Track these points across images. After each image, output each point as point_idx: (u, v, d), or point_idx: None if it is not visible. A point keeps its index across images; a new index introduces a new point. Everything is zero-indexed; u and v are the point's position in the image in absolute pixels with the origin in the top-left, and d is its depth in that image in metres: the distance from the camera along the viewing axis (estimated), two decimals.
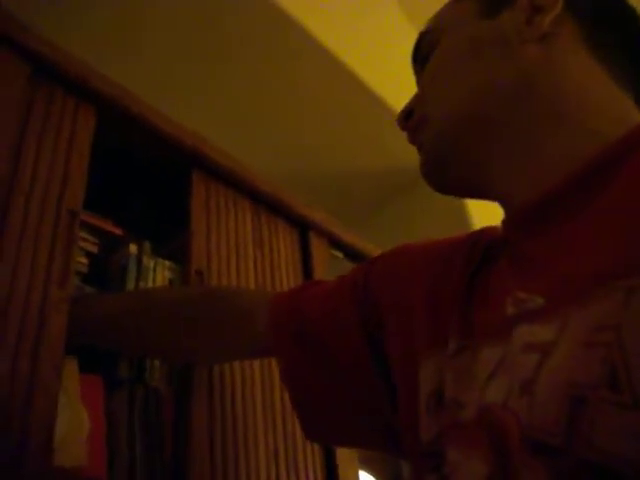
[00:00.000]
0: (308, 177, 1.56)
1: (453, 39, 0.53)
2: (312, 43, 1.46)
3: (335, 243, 1.22)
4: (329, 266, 1.17)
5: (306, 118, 1.53)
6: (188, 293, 0.83)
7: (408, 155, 1.81)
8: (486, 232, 0.57)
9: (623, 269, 0.33)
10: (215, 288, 0.89)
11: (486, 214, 2.37)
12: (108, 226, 0.93)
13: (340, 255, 1.23)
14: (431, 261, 0.57)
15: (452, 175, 0.53)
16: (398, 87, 1.74)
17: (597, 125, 0.45)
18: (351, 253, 1.25)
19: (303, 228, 1.16)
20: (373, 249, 1.27)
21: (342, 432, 0.66)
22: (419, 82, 0.58)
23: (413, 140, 0.57)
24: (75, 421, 0.67)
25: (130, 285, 0.86)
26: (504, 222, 0.51)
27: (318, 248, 1.16)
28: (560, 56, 0.48)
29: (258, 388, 0.90)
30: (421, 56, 0.57)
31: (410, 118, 0.56)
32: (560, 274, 0.40)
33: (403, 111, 0.57)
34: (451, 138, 0.51)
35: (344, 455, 0.96)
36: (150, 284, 0.88)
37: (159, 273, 0.92)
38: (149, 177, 0.97)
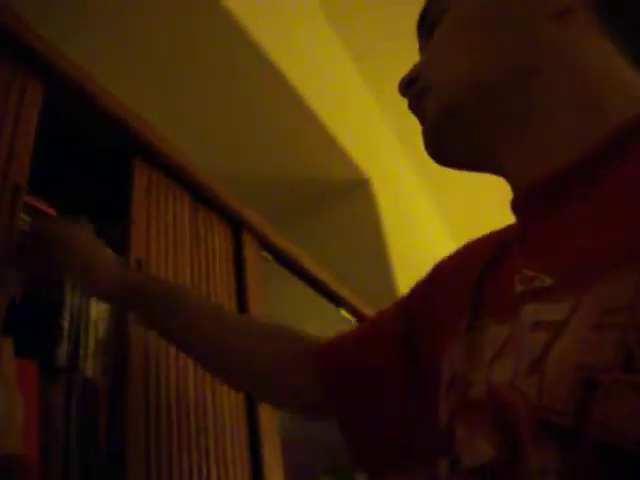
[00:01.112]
0: (244, 178, 1.56)
1: (467, 6, 0.50)
2: (250, 46, 1.47)
3: (266, 245, 1.22)
4: (260, 267, 1.17)
5: (242, 120, 1.53)
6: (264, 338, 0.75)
7: (335, 165, 1.86)
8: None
9: (639, 251, 0.33)
10: (283, 332, 0.78)
11: (402, 245, 2.47)
12: (41, 205, 0.88)
13: (269, 257, 1.24)
14: (460, 261, 0.57)
15: (455, 148, 0.51)
16: (328, 100, 1.79)
17: (612, 104, 0.43)
18: (281, 256, 1.26)
19: (237, 226, 1.15)
20: (303, 254, 1.29)
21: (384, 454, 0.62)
22: (423, 49, 0.56)
23: (415, 108, 0.53)
24: (12, 405, 0.63)
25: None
26: (512, 202, 0.49)
27: (250, 248, 1.16)
28: (577, 34, 0.46)
29: (191, 385, 0.88)
30: (428, 22, 0.54)
31: (412, 86, 0.53)
32: (570, 254, 0.39)
33: (406, 77, 0.54)
34: (457, 108, 0.48)
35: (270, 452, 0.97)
36: None
37: None
38: (91, 161, 0.93)
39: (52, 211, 0.87)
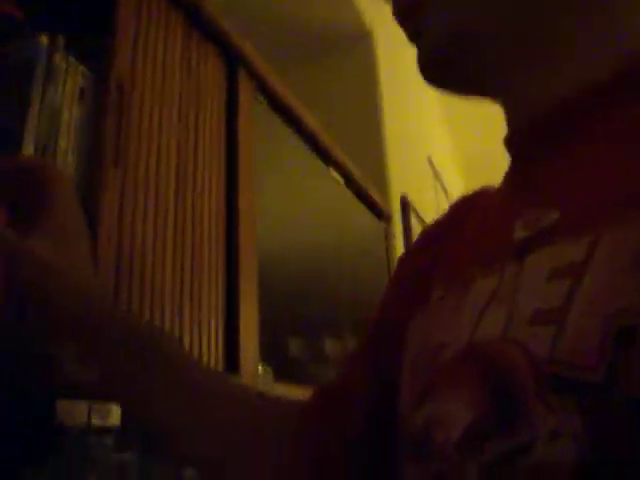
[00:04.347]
0: (244, 14, 1.39)
1: None
2: None
3: (262, 87, 1.12)
4: (252, 110, 1.08)
5: None
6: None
7: (340, 16, 1.69)
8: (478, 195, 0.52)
9: None
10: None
11: (396, 115, 2.34)
12: (6, 7, 0.76)
13: (263, 101, 1.14)
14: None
15: (458, 73, 0.45)
16: None
17: (632, 25, 0.39)
18: (276, 102, 1.16)
19: (233, 61, 1.04)
20: (300, 105, 1.19)
21: None
22: None
23: (414, 22, 0.46)
24: None
25: (37, 88, 0.72)
26: (510, 136, 0.44)
27: (245, 87, 1.06)
28: None
29: (170, 231, 0.83)
30: None
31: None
32: (579, 187, 0.35)
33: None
34: (471, 35, 0.42)
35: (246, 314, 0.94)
36: (59, 90, 0.75)
37: (70, 78, 0.78)
38: None
39: (19, 13, 0.76)
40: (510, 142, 0.44)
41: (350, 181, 1.58)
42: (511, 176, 0.45)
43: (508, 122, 0.45)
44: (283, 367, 1.05)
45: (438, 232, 0.53)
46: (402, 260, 0.57)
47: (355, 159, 1.63)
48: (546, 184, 0.38)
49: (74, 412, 0.52)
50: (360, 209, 1.74)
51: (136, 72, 0.80)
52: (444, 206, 3.35)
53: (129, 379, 0.49)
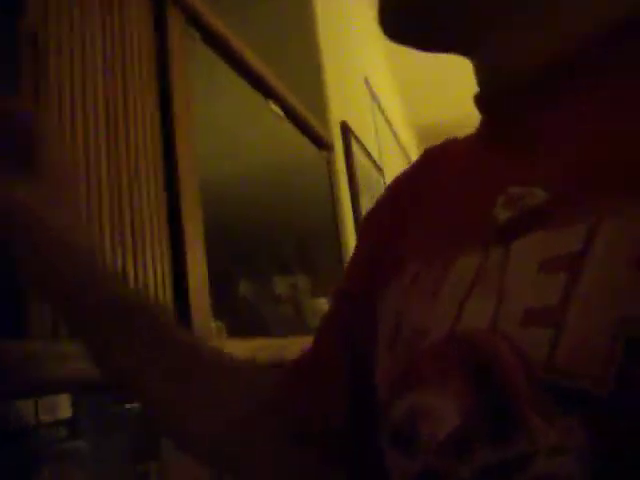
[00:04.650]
0: None
1: None
2: None
3: (194, 20, 1.02)
4: (185, 46, 0.99)
5: None
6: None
7: None
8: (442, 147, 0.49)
9: None
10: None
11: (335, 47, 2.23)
12: None
13: (197, 35, 1.05)
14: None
15: (427, 24, 0.40)
16: None
17: None
18: (209, 36, 1.07)
19: None
20: (234, 36, 1.11)
21: None
22: None
23: None
24: None
25: None
26: (485, 93, 0.41)
27: (175, 22, 0.96)
28: None
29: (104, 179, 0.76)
30: None
31: None
32: (570, 158, 0.31)
33: None
34: None
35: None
36: None
37: None
38: None
39: None
40: (485, 99, 0.41)
41: (290, 113, 1.52)
42: (487, 134, 0.41)
43: (482, 79, 0.41)
44: (236, 322, 1.02)
45: (405, 187, 0.50)
46: (368, 219, 0.54)
47: (294, 88, 1.56)
48: (530, 148, 0.34)
49: (21, 412, 0.49)
50: (301, 140, 1.69)
51: (49, 9, 0.71)
52: (383, 129, 3.31)
53: (109, 339, 0.47)
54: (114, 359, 0.48)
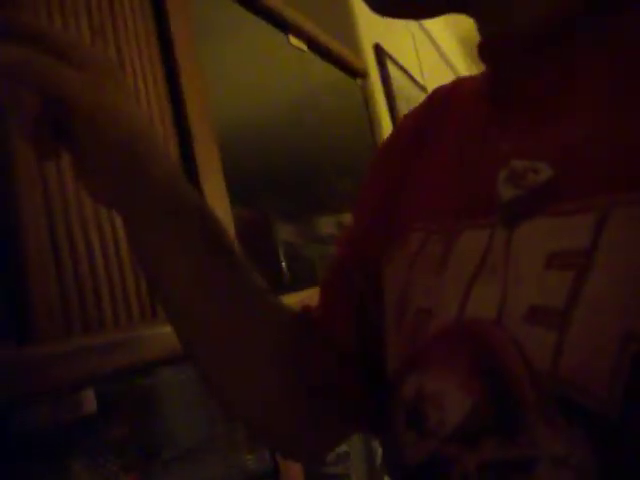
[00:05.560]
0: None
1: None
2: None
3: None
4: None
5: None
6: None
7: None
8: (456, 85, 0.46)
9: None
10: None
11: None
12: None
13: None
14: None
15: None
16: None
17: None
18: None
19: None
20: None
21: None
22: None
23: None
24: None
25: None
26: (487, 44, 0.38)
27: None
28: None
29: None
30: None
31: None
32: (584, 134, 0.29)
33: None
34: None
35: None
36: None
37: None
38: None
39: None
40: (489, 47, 0.38)
41: (314, 45, 1.45)
42: (491, 93, 0.39)
43: (484, 31, 0.39)
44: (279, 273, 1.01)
45: (412, 131, 0.48)
46: (377, 160, 0.51)
47: (318, 15, 1.48)
48: (538, 123, 0.32)
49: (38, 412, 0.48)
50: (332, 72, 1.62)
51: None
52: (424, 45, 3.15)
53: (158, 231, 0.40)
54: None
